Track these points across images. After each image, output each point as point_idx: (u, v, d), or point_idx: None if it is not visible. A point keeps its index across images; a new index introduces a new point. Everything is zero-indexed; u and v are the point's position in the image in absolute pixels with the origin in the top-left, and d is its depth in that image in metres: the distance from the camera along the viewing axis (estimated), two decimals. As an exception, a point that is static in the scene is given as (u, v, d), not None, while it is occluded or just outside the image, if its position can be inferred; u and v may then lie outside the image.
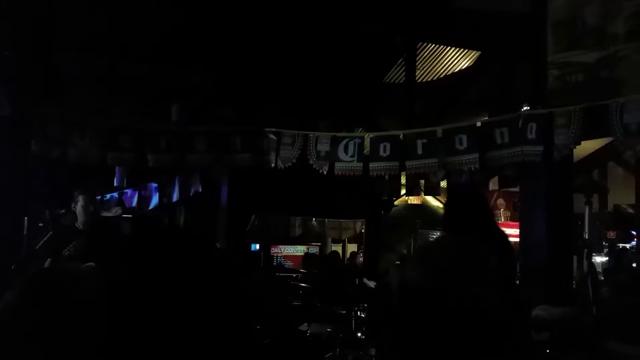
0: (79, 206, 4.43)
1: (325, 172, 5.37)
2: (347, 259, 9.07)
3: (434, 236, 8.87)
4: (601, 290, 4.93)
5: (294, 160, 5.45)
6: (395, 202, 8.71)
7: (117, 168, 8.70)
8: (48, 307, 1.10)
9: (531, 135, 4.66)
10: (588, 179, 6.81)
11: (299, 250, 8.98)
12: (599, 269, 6.54)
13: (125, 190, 8.37)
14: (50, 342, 1.05)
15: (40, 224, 6.87)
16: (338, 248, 10.49)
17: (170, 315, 0.93)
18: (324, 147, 5.37)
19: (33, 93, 5.35)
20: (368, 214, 8.32)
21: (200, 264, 1.01)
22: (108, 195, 8.44)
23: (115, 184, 8.93)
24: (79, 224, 4.50)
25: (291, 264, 7.20)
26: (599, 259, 6.90)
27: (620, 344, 3.63)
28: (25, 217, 6.09)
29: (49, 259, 4.39)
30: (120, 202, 8.22)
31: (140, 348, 0.91)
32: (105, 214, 7.31)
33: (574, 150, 4.66)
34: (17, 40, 5.31)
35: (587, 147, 6.35)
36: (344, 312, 4.68)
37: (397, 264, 7.73)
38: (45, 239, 4.66)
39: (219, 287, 1.00)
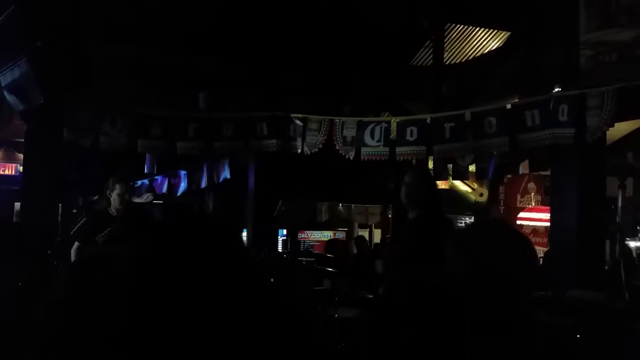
0: (114, 194, 4.52)
1: (351, 158, 5.36)
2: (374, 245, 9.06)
3: (463, 221, 8.78)
4: (635, 274, 4.83)
5: (320, 146, 5.46)
6: (423, 187, 8.62)
7: (147, 155, 8.88)
8: (95, 293, 1.12)
9: (563, 118, 4.55)
10: (622, 162, 6.63)
11: (326, 235, 9.00)
12: (634, 254, 6.39)
13: (156, 177, 8.51)
14: (90, 328, 1.08)
15: (74, 211, 7.07)
16: (365, 233, 10.49)
17: (198, 302, 0.94)
18: (350, 132, 5.36)
19: (65, 82, 5.46)
20: (395, 199, 8.27)
21: (227, 252, 1.02)
22: (139, 182, 8.60)
23: (145, 171, 9.10)
24: (113, 210, 4.60)
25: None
26: (632, 244, 6.74)
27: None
28: (60, 204, 6.26)
29: (76, 243, 4.51)
30: (150, 188, 8.37)
31: (168, 332, 0.93)
32: (136, 200, 7.46)
33: (607, 132, 4.54)
34: (49, 30, 5.41)
35: (621, 128, 6.16)
36: (372, 296, 4.70)
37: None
38: (79, 224, 4.79)
39: (246, 276, 1.01)
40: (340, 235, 9.42)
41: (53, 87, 5.39)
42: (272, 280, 5.15)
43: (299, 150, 5.57)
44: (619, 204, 4.82)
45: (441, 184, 9.37)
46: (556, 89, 4.92)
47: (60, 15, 5.47)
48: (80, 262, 4.16)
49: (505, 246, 1.27)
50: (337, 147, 5.42)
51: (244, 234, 7.04)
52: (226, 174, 6.87)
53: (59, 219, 6.27)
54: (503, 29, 7.73)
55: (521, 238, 1.38)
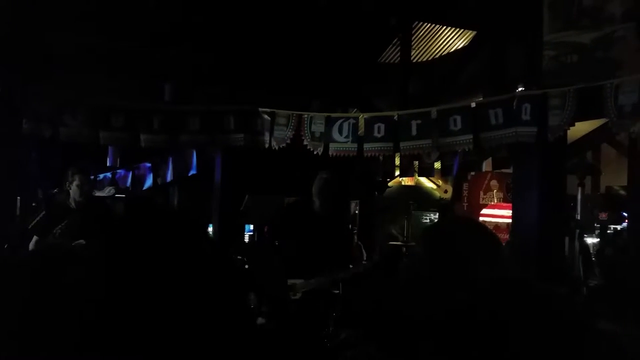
0: (74, 185, 4.44)
1: (319, 153, 5.35)
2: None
3: (428, 217, 8.91)
4: (593, 270, 4.99)
5: (288, 141, 5.43)
6: (389, 183, 8.71)
7: (110, 148, 8.68)
8: (41, 288, 1.09)
9: (525, 116, 4.65)
10: (581, 161, 6.84)
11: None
12: (592, 250, 6.60)
13: (119, 170, 8.35)
14: (40, 324, 1.04)
15: (33, 204, 6.86)
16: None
17: (160, 295, 0.92)
18: (318, 127, 5.35)
19: (24, 71, 5.29)
20: (362, 195, 8.33)
21: (191, 246, 1.00)
22: (101, 175, 8.41)
23: (108, 164, 8.91)
24: (71, 202, 4.50)
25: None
26: (590, 240, 6.96)
27: (609, 323, 3.67)
28: (18, 197, 6.07)
29: (35, 238, 4.40)
30: (113, 182, 8.19)
31: (129, 328, 0.90)
32: (98, 193, 7.28)
33: (568, 131, 4.67)
34: (8, 17, 5.22)
35: (581, 128, 6.36)
36: (337, 291, 4.71)
37: (391, 244, 7.76)
38: (38, 218, 4.66)
39: (211, 270, 1.00)
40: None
41: (12, 76, 5.22)
42: (241, 265, 5.14)
43: (267, 145, 5.53)
44: (578, 201, 4.97)
45: (407, 181, 9.52)
46: (519, 89, 5.03)
47: (19, 2, 5.30)
48: (33, 253, 4.06)
49: (477, 242, 1.28)
50: (305, 143, 5.41)
51: (210, 229, 6.96)
52: (192, 168, 6.78)
53: (18, 212, 6.09)
54: (469, 28, 7.86)
55: (491, 235, 1.40)
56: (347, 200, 4.19)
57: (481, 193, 8.07)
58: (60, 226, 4.36)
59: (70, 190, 4.48)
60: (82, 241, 4.18)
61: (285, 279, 4.15)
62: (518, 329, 1.05)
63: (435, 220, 8.46)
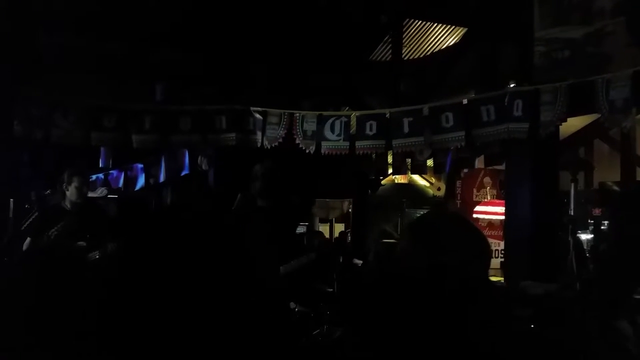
0: (72, 187, 4.42)
1: (312, 152, 5.34)
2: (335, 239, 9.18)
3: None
4: (586, 266, 4.99)
5: (281, 140, 5.41)
6: (382, 182, 8.71)
7: (102, 149, 8.65)
8: (50, 283, 1.09)
9: (517, 113, 4.65)
10: (574, 156, 6.84)
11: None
12: (585, 246, 6.60)
13: (111, 171, 8.32)
14: (48, 317, 1.05)
15: (26, 206, 6.82)
16: (326, 227, 10.53)
17: (156, 292, 0.93)
18: (310, 126, 5.34)
19: (15, 73, 5.26)
20: (355, 193, 8.33)
21: (185, 244, 1.00)
22: (94, 176, 8.36)
23: (100, 165, 8.87)
24: (67, 204, 4.48)
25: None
26: (584, 236, 6.97)
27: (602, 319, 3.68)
28: (11, 199, 6.04)
29: (28, 239, 4.38)
30: (106, 182, 8.16)
31: (130, 323, 0.91)
32: (90, 194, 7.25)
33: (560, 127, 4.67)
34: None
35: (573, 124, 6.37)
36: (331, 290, 4.72)
37: (385, 242, 7.76)
38: (30, 219, 4.64)
39: (204, 266, 1.01)
40: (301, 229, 9.45)
41: (2, 78, 5.18)
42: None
43: (259, 144, 5.52)
44: (572, 197, 4.97)
45: (400, 178, 9.52)
46: (511, 85, 5.03)
47: (10, 4, 5.26)
48: (31, 252, 4.04)
49: (458, 237, 1.27)
50: (298, 141, 5.40)
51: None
52: (185, 168, 6.75)
53: (11, 214, 6.06)
54: (460, 25, 7.86)
55: (474, 230, 1.39)
56: (288, 192, 4.18)
57: (474, 190, 8.07)
58: (56, 227, 4.33)
59: (66, 192, 4.45)
60: (82, 243, 4.17)
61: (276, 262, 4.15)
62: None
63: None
